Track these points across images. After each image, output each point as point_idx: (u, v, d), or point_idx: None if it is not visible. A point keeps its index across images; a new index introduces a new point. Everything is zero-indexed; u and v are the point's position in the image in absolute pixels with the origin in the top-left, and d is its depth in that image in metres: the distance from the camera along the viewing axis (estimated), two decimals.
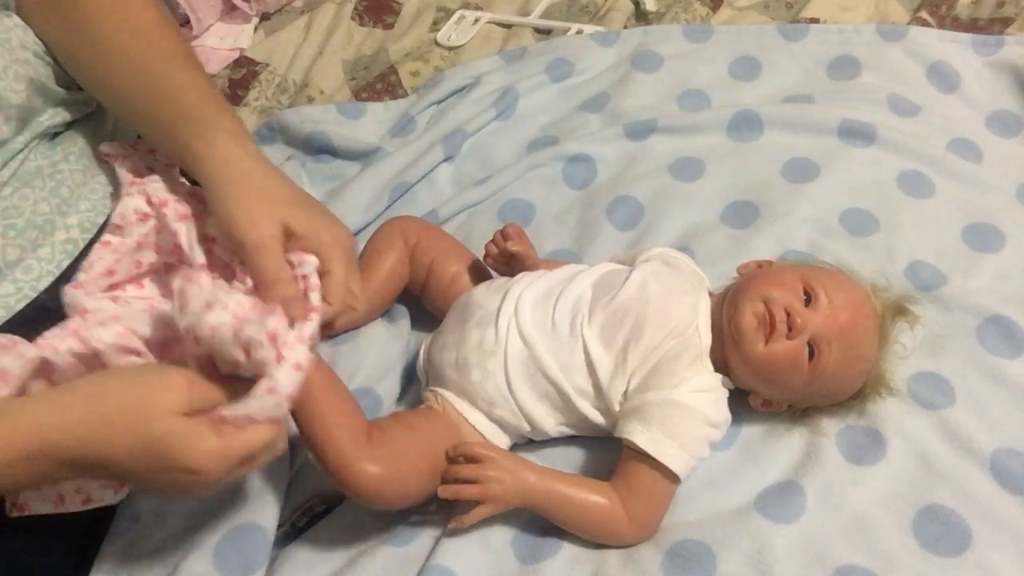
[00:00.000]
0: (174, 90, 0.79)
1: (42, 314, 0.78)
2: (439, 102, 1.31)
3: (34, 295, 0.78)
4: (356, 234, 1.12)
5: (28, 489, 0.69)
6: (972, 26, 1.31)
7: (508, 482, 0.81)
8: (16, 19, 0.83)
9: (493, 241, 0.95)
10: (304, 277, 0.76)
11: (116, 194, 0.85)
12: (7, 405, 0.66)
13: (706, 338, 0.86)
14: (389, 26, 1.50)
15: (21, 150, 0.80)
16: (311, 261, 0.76)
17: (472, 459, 0.81)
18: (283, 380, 0.67)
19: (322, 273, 0.76)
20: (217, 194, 0.75)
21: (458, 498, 0.81)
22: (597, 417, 0.86)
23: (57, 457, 0.64)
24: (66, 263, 0.80)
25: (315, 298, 0.75)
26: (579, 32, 1.39)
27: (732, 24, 1.35)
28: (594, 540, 0.83)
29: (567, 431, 0.89)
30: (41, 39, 0.83)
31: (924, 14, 1.32)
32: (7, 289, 0.77)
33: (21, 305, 0.77)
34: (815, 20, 1.33)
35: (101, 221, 0.83)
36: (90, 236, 0.82)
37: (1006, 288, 0.98)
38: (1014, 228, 1.03)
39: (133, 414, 0.64)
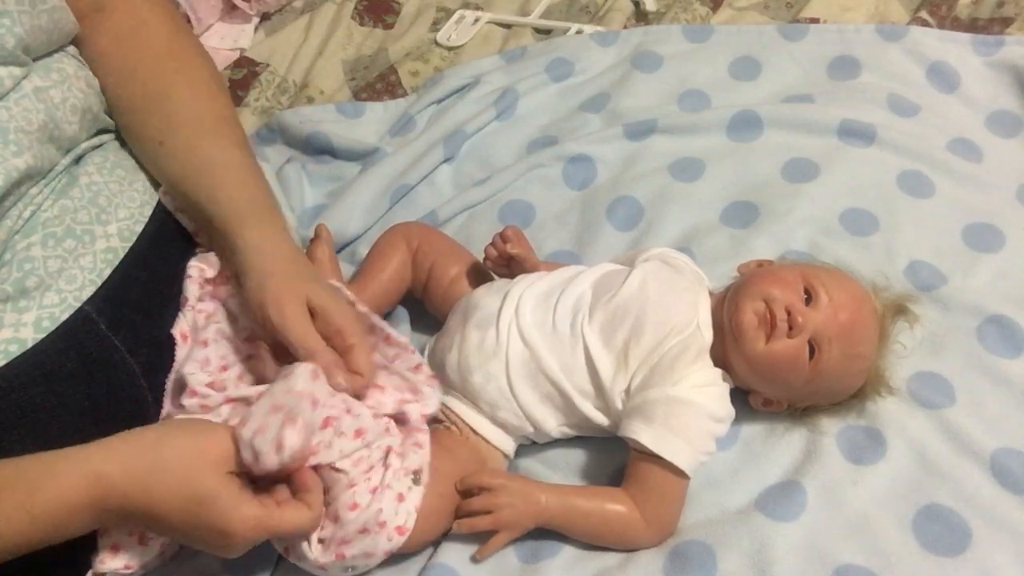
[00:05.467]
0: (226, 184, 0.87)
1: (86, 325, 0.78)
2: (439, 102, 1.31)
3: (78, 305, 0.78)
4: (358, 237, 1.12)
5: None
6: (972, 26, 1.31)
7: (520, 506, 0.81)
8: (71, 48, 0.85)
9: (492, 244, 0.95)
10: None
11: (152, 204, 0.87)
12: (66, 452, 0.70)
13: (707, 334, 0.86)
14: (389, 26, 1.50)
15: (61, 172, 0.81)
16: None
17: (482, 489, 0.82)
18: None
19: (347, 348, 0.80)
20: (249, 283, 0.81)
21: (473, 530, 0.81)
22: (599, 417, 0.86)
23: (109, 503, 0.67)
24: (107, 272, 0.81)
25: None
26: (579, 32, 1.39)
27: (732, 24, 1.35)
28: (615, 547, 0.83)
29: (570, 432, 0.89)
30: (108, 97, 0.89)
31: (924, 14, 1.32)
32: (51, 299, 0.77)
33: (66, 316, 0.77)
34: (815, 20, 1.33)
35: (139, 229, 0.84)
36: (129, 245, 0.83)
37: (1006, 288, 0.98)
38: (1014, 228, 1.03)
39: (189, 467, 0.68)
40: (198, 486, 0.68)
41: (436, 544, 0.84)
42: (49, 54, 0.82)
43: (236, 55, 1.47)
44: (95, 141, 0.86)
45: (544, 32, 1.44)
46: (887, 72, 1.22)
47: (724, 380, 0.86)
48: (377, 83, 1.40)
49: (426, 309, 1.02)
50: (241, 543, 0.70)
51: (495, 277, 0.98)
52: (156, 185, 0.90)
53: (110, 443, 0.70)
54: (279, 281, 0.80)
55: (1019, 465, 0.84)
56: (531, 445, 0.91)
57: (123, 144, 0.89)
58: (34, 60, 0.80)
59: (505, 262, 0.95)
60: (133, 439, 0.70)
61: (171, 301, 0.86)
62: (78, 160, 0.84)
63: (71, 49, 0.85)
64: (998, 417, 0.88)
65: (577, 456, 0.90)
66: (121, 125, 0.92)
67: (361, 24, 1.50)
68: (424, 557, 0.83)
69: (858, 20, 1.33)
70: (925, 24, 1.30)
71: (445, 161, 1.21)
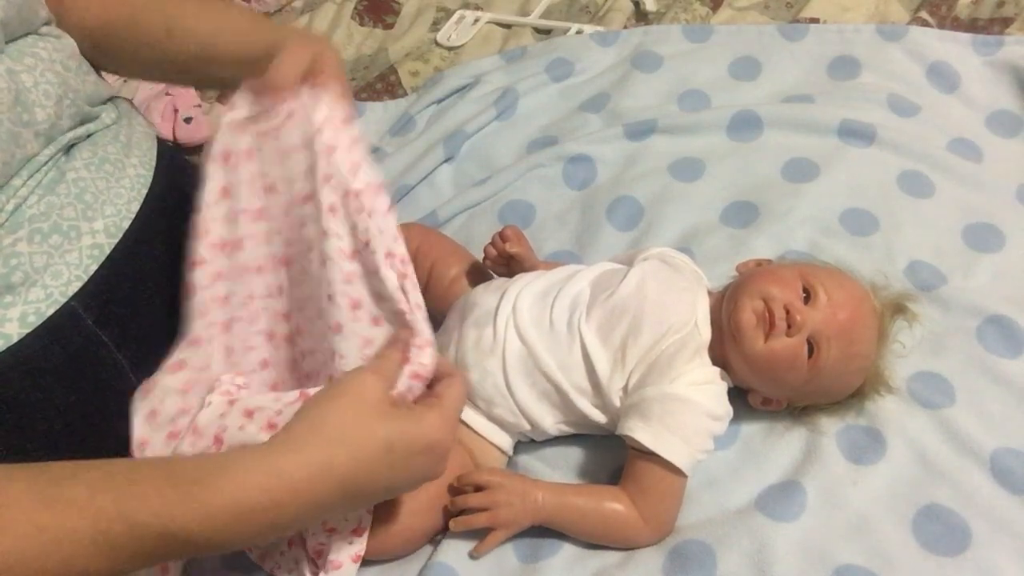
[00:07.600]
0: (248, 25, 0.93)
1: (72, 320, 0.78)
2: (439, 102, 1.31)
3: (64, 300, 0.78)
4: None
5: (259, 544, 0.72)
6: (972, 26, 1.31)
7: (517, 505, 0.81)
8: (45, 28, 0.84)
9: (492, 243, 0.95)
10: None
11: (140, 201, 0.87)
12: (230, 458, 0.65)
13: (705, 333, 0.86)
14: (389, 26, 1.51)
15: (45, 163, 0.80)
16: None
17: (478, 487, 0.82)
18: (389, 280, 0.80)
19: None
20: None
21: (470, 528, 0.81)
22: (596, 415, 0.86)
23: (300, 500, 0.64)
24: (94, 268, 0.80)
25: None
26: (579, 32, 1.39)
27: (732, 24, 1.36)
28: (613, 546, 0.83)
29: (567, 430, 0.89)
30: (107, 40, 0.91)
31: (924, 14, 1.32)
32: (37, 295, 0.77)
33: (51, 311, 0.77)
34: (815, 20, 1.34)
35: (126, 226, 0.84)
36: (115, 241, 0.83)
37: (1006, 288, 0.98)
38: (1014, 228, 1.03)
39: (362, 427, 0.67)
40: (380, 434, 0.67)
41: (436, 543, 0.84)
42: (23, 37, 0.81)
43: None
44: (81, 131, 0.85)
45: (544, 32, 1.44)
46: (887, 72, 1.22)
47: (723, 379, 0.86)
48: (377, 83, 1.40)
49: (426, 309, 1.02)
50: (446, 445, 0.71)
51: (495, 277, 0.98)
52: (144, 181, 0.89)
53: (284, 436, 0.67)
54: (301, 38, 0.86)
55: (1019, 465, 0.84)
56: (530, 443, 0.91)
57: (113, 139, 0.89)
58: (7, 43, 0.79)
59: (504, 261, 0.95)
60: (299, 427, 0.67)
61: (159, 297, 0.85)
62: (67, 152, 0.84)
63: (44, 29, 0.84)
64: (998, 417, 0.88)
65: (576, 454, 0.90)
66: (126, 52, 0.93)
67: (361, 24, 1.50)
68: (424, 556, 0.83)
69: (858, 20, 1.33)
70: (925, 24, 1.30)
71: (445, 161, 1.21)
